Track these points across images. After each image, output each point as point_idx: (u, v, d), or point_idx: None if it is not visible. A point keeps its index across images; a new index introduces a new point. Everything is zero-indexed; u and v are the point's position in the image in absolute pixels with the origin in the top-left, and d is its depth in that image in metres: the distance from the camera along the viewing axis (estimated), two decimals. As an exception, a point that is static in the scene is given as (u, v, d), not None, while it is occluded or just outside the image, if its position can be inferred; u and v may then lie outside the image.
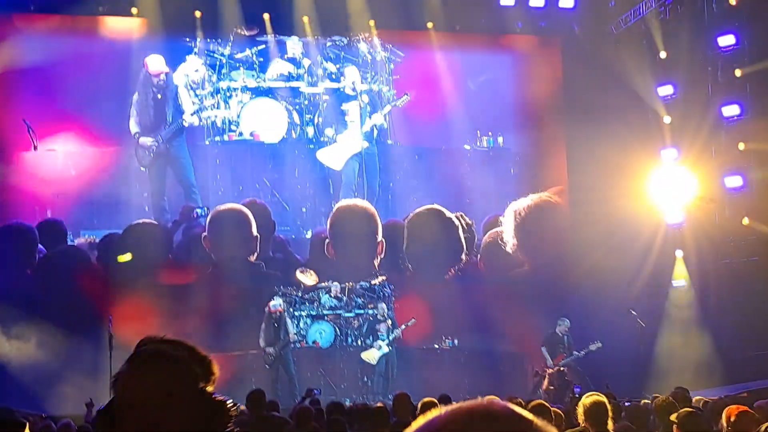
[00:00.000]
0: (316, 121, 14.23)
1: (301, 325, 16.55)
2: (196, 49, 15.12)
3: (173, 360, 1.93)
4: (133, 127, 15.56)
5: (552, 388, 15.45)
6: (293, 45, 14.10)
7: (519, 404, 6.48)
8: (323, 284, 17.03)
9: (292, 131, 14.05)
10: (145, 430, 1.87)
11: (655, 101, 18.75)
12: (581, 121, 18.96)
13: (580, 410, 5.82)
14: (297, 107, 14.05)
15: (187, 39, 14.95)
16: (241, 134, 14.07)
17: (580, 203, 19.09)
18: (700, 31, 17.80)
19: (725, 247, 17.48)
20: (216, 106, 14.33)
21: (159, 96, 14.86)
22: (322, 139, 14.26)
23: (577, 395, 11.26)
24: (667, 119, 18.59)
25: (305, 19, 13.98)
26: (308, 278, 16.84)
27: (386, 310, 16.28)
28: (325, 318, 16.69)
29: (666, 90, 18.61)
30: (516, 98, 19.58)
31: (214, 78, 14.71)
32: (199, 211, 14.22)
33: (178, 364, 1.93)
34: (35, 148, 16.27)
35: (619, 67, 19.21)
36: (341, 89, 14.71)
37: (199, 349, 2.01)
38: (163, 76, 15.11)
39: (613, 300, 17.70)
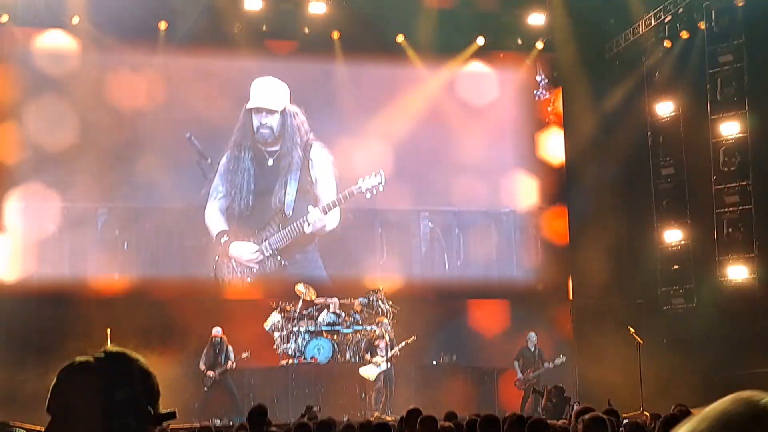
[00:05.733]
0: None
1: (299, 340, 16.57)
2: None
3: (86, 371, 1.94)
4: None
5: (550, 405, 15.41)
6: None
7: (520, 419, 6.50)
8: (321, 300, 17.08)
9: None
10: None
11: (653, 119, 18.83)
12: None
13: (580, 426, 5.82)
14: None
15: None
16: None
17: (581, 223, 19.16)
18: (699, 49, 17.87)
19: (724, 264, 17.48)
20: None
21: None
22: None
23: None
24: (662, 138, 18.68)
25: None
26: (307, 294, 16.86)
27: (386, 327, 16.27)
28: (323, 334, 16.70)
29: (664, 108, 18.69)
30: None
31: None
32: None
33: (90, 376, 1.93)
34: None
35: (616, 84, 19.33)
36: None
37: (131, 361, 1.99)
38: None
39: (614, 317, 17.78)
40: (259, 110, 18.23)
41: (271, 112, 18.23)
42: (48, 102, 17.50)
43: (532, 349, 17.30)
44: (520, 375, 17.10)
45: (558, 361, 17.05)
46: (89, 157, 17.45)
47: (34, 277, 17.20)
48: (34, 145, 17.42)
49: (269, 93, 18.26)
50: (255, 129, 18.16)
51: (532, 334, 17.41)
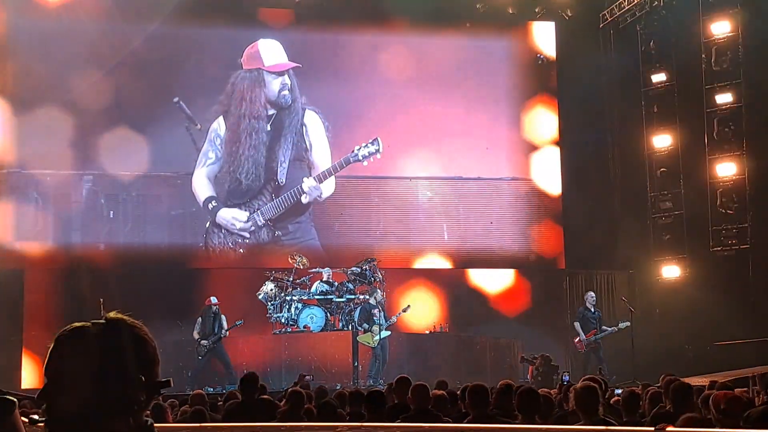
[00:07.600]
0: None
1: (292, 309, 16.55)
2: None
3: (88, 337, 1.93)
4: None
5: (538, 374, 15.46)
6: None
7: (509, 387, 6.50)
8: (314, 269, 17.06)
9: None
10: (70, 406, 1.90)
11: (648, 88, 18.77)
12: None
13: (572, 395, 5.83)
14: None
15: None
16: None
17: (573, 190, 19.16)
18: (694, 18, 17.77)
19: (717, 236, 17.50)
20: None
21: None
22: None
23: (565, 383, 11.26)
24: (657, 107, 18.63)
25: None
26: (300, 263, 16.85)
27: (379, 296, 16.26)
28: (316, 303, 16.69)
29: (658, 77, 18.61)
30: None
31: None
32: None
33: (91, 341, 1.92)
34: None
35: (611, 54, 19.26)
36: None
37: (137, 329, 1.98)
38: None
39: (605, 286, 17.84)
40: (280, 70, 17.86)
41: (287, 71, 17.93)
42: (33, 66, 17.29)
43: (593, 310, 16.77)
44: (582, 337, 16.46)
45: (622, 325, 16.39)
46: (73, 123, 17.27)
47: (16, 246, 17.10)
48: (18, 112, 17.29)
49: (282, 53, 17.98)
50: (277, 91, 17.81)
51: (591, 294, 16.93)
